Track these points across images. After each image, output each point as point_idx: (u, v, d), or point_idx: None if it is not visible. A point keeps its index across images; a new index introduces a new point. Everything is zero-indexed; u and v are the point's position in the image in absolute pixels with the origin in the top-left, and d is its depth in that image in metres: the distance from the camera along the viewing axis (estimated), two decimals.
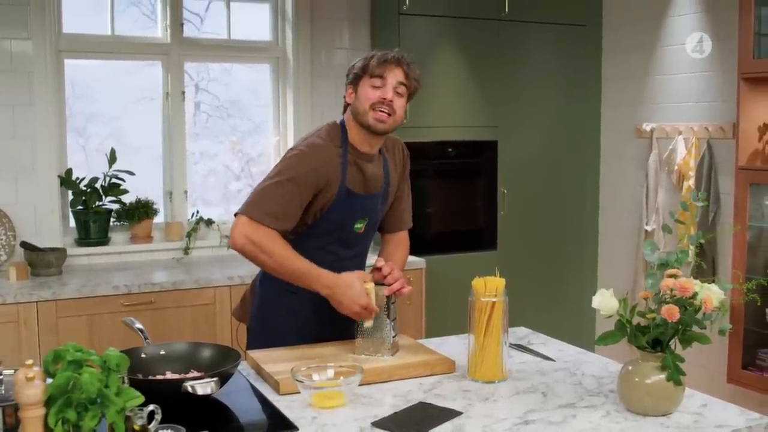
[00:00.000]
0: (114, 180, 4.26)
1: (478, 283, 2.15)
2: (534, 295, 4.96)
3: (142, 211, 4.32)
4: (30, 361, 1.46)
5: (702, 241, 1.98)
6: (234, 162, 4.83)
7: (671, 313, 1.78)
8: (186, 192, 4.55)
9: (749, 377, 3.96)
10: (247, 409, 1.98)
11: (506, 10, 4.71)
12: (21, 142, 4.05)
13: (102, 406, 1.48)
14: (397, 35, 4.47)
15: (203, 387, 1.83)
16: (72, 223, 4.28)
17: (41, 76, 4.05)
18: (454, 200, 4.86)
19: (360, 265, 2.56)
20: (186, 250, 4.40)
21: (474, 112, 4.76)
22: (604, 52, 5.11)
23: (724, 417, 1.86)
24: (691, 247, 1.94)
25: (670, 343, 1.86)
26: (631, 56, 4.89)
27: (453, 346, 2.43)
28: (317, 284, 2.29)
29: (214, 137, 4.76)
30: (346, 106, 2.46)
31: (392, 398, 2.01)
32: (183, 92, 4.50)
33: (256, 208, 2.27)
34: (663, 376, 1.83)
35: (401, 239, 2.67)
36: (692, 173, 4.40)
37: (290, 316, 2.48)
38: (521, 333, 2.66)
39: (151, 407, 1.53)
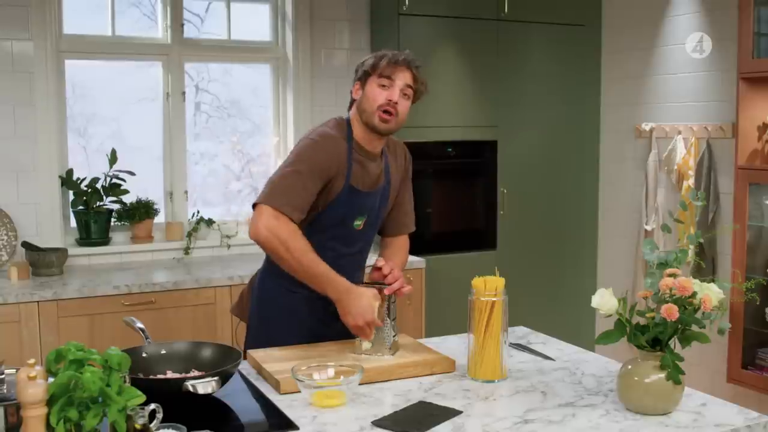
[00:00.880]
0: (115, 180, 4.27)
1: (477, 282, 2.16)
2: (534, 294, 4.96)
3: (142, 211, 4.33)
4: (32, 360, 1.46)
5: (701, 240, 1.99)
6: (234, 162, 4.83)
7: (670, 312, 1.79)
8: (186, 192, 4.56)
9: (749, 377, 3.96)
10: (247, 409, 1.98)
11: (506, 10, 4.72)
12: (22, 143, 4.05)
13: (103, 405, 1.48)
14: (396, 35, 4.47)
15: (204, 386, 1.84)
16: (73, 223, 4.28)
17: (42, 77, 4.06)
18: (453, 200, 4.86)
19: (360, 263, 2.56)
20: (186, 250, 4.41)
21: (474, 112, 4.76)
22: (603, 52, 5.11)
23: (723, 416, 1.87)
24: (691, 247, 1.95)
25: (669, 342, 1.86)
26: (630, 56, 4.90)
27: (453, 346, 2.43)
28: (332, 289, 2.28)
29: (215, 137, 4.76)
30: (353, 101, 2.47)
31: (392, 397, 2.01)
32: (183, 93, 4.50)
33: (279, 198, 2.26)
34: (662, 375, 1.84)
35: (401, 243, 2.67)
36: (692, 173, 4.40)
37: (289, 315, 2.48)
38: (521, 332, 2.66)
39: (152, 406, 1.54)
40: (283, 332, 2.46)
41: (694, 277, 1.88)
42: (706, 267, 4.24)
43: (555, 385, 2.11)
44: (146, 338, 2.19)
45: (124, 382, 1.55)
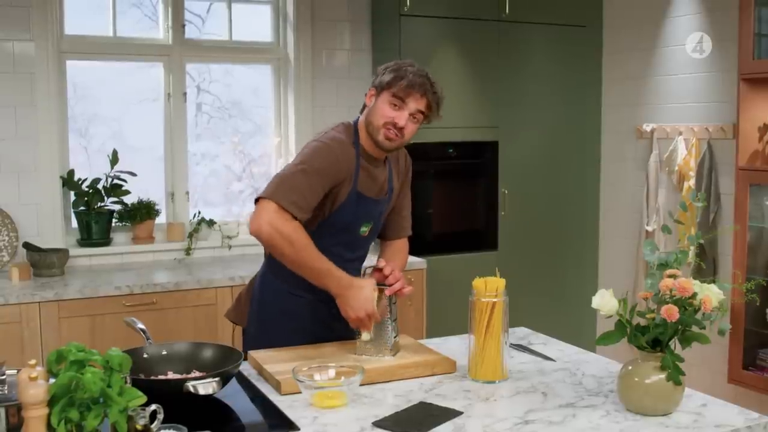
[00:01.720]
0: (116, 181, 4.27)
1: (478, 283, 2.16)
2: (534, 295, 4.96)
3: (143, 211, 4.33)
4: (33, 361, 1.46)
5: (701, 241, 1.99)
6: (235, 163, 4.84)
7: (671, 313, 1.79)
8: (187, 193, 4.56)
9: (750, 377, 3.96)
10: (248, 409, 1.99)
11: (507, 11, 4.72)
12: (23, 143, 4.06)
13: (105, 406, 1.48)
14: (397, 36, 4.47)
15: (205, 387, 1.84)
16: (74, 223, 4.28)
17: (43, 78, 4.06)
18: (454, 201, 4.87)
19: (359, 268, 2.57)
20: (187, 251, 4.42)
21: (475, 113, 4.76)
22: (604, 52, 5.11)
23: (723, 417, 1.87)
24: (691, 248, 1.95)
25: (669, 343, 1.86)
26: (631, 57, 4.90)
27: (454, 346, 2.44)
28: (333, 284, 2.28)
29: (216, 138, 4.77)
30: (365, 106, 2.46)
31: (393, 398, 2.02)
32: (184, 93, 4.50)
33: (284, 195, 2.23)
34: (663, 375, 1.84)
35: (401, 245, 2.68)
36: (693, 174, 4.40)
37: (291, 318, 2.48)
38: (521, 333, 2.66)
39: (153, 407, 1.54)
40: (284, 335, 2.45)
41: (695, 278, 1.89)
42: (706, 268, 4.24)
43: (555, 385, 2.11)
44: (147, 339, 2.19)
45: (125, 382, 1.55)
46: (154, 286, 3.75)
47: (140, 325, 2.26)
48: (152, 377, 1.98)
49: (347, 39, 4.77)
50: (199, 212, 4.54)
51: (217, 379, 1.87)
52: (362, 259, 2.57)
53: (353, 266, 2.48)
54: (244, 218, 4.65)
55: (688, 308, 1.83)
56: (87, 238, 4.21)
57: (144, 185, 4.38)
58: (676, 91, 4.60)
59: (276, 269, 2.49)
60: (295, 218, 2.24)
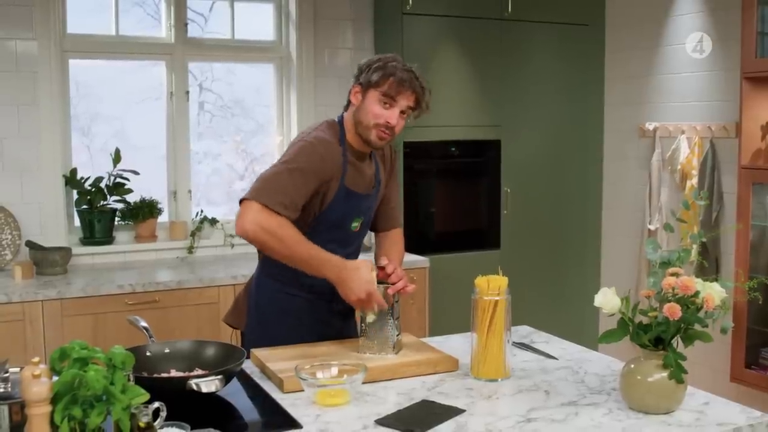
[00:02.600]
0: (118, 179, 4.28)
1: (481, 281, 2.16)
2: (537, 293, 4.96)
3: (146, 210, 4.34)
4: (36, 359, 1.47)
5: (704, 239, 1.99)
6: (238, 161, 4.84)
7: (673, 311, 1.79)
8: (190, 191, 4.57)
9: (752, 376, 3.96)
10: (251, 407, 1.99)
11: (509, 9, 4.72)
12: (26, 142, 4.06)
13: (108, 403, 1.48)
14: (400, 35, 4.48)
15: (208, 385, 1.84)
16: (77, 222, 4.29)
17: (46, 76, 4.07)
18: (457, 199, 4.87)
19: None
20: (190, 250, 4.42)
21: (477, 112, 4.76)
22: (606, 51, 5.11)
23: (725, 415, 1.87)
24: (693, 246, 1.95)
25: (672, 341, 1.86)
26: (633, 55, 4.89)
27: (456, 345, 2.44)
28: (328, 269, 2.26)
29: (218, 137, 4.77)
30: (349, 102, 2.45)
31: (396, 396, 2.02)
32: (187, 92, 4.51)
33: (267, 195, 2.22)
34: (665, 374, 1.84)
35: (396, 237, 2.67)
36: (695, 172, 4.40)
37: (288, 317, 2.47)
38: (524, 331, 2.66)
39: (156, 404, 1.54)
40: (283, 335, 2.44)
41: (697, 277, 1.88)
42: (709, 266, 4.24)
43: (558, 384, 2.11)
44: (150, 337, 2.19)
45: (128, 380, 1.55)
46: (157, 285, 3.76)
47: (143, 324, 2.26)
48: (155, 375, 1.98)
49: (350, 38, 4.77)
50: (202, 211, 4.54)
51: (219, 377, 1.87)
52: (356, 254, 2.56)
53: None
54: None
55: (691, 306, 1.83)
56: (90, 237, 4.21)
57: (146, 184, 4.38)
58: (678, 90, 4.60)
59: (270, 271, 2.48)
60: (281, 215, 2.23)
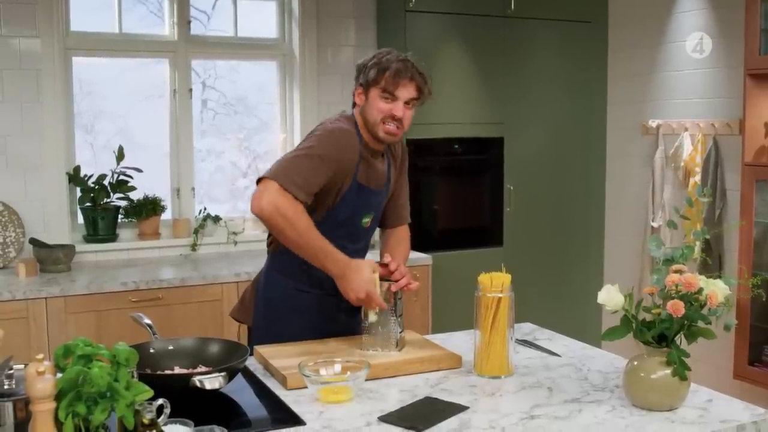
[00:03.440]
0: (122, 177, 4.28)
1: (484, 278, 2.16)
2: (540, 290, 4.96)
3: (149, 207, 4.34)
4: (41, 356, 1.47)
5: (707, 236, 1.99)
6: (241, 159, 4.84)
7: (676, 308, 1.79)
8: (193, 189, 4.57)
9: (756, 373, 3.96)
10: (254, 404, 1.99)
11: (512, 7, 4.72)
12: (29, 140, 4.07)
13: (112, 400, 1.49)
14: (403, 32, 4.47)
15: (211, 382, 1.84)
16: (80, 219, 4.30)
17: (49, 74, 4.07)
18: (460, 197, 4.87)
19: (363, 258, 2.57)
20: (193, 247, 4.43)
21: (480, 109, 4.76)
22: (609, 49, 5.11)
23: (729, 412, 1.87)
24: (697, 243, 1.95)
25: (675, 338, 1.86)
26: (636, 53, 4.89)
27: (459, 342, 2.44)
28: (332, 263, 2.28)
29: (221, 134, 4.77)
30: (354, 104, 2.47)
31: (399, 393, 2.02)
32: (190, 90, 4.51)
33: (287, 176, 2.23)
34: (668, 371, 1.84)
35: (402, 233, 2.68)
36: (698, 169, 4.40)
37: (297, 314, 2.48)
38: (527, 328, 2.66)
39: (159, 401, 1.54)
40: (291, 331, 2.44)
41: (701, 274, 1.88)
42: (712, 263, 4.23)
43: (561, 381, 2.11)
44: (153, 334, 2.20)
45: (132, 377, 1.55)
46: (160, 282, 3.76)
47: (146, 321, 2.27)
48: (159, 372, 1.99)
49: (352, 35, 4.77)
50: (205, 208, 4.55)
51: (223, 373, 1.87)
52: (365, 250, 2.58)
53: (357, 257, 2.48)
54: (250, 214, 4.65)
55: (694, 303, 1.83)
56: (93, 234, 4.22)
57: (150, 181, 4.39)
58: (681, 87, 4.60)
59: (281, 266, 2.49)
60: (298, 200, 2.25)
